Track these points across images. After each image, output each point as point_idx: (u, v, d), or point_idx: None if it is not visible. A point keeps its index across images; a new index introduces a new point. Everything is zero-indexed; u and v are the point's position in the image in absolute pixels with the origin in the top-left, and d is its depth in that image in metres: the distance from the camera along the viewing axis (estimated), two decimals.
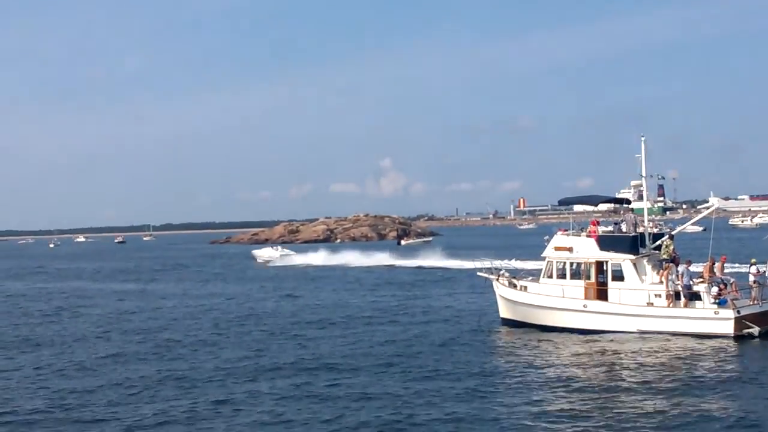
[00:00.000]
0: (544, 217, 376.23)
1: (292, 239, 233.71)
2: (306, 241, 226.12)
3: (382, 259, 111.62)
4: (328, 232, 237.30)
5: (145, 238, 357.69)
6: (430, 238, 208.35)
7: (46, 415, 26.53)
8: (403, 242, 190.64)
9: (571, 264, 41.62)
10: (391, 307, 54.80)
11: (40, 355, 38.96)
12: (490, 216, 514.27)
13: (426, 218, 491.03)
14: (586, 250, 41.20)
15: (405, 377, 30.68)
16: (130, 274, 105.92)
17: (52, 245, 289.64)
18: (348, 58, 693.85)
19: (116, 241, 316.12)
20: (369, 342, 39.55)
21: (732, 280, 40.14)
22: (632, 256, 39.86)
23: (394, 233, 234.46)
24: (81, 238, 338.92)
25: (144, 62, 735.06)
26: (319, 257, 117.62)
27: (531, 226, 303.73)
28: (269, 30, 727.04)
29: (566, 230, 43.46)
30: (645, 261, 40.07)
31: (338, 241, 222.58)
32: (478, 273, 48.45)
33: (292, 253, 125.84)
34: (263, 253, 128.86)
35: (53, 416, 26.43)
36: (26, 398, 29.12)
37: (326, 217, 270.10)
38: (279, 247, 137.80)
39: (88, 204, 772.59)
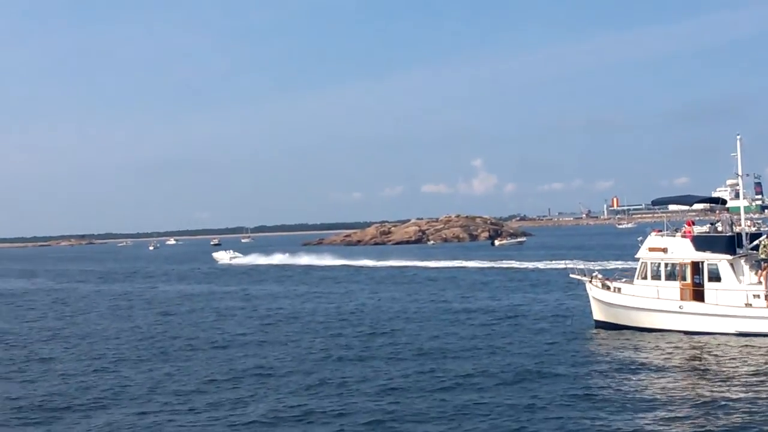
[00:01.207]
0: (639, 216, 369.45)
1: (384, 240, 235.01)
2: (398, 243, 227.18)
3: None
4: (420, 233, 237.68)
5: (243, 240, 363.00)
6: (524, 239, 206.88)
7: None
8: (496, 243, 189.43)
9: (666, 265, 41.12)
10: (482, 307, 54.89)
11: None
12: (583, 216, 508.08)
13: (518, 218, 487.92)
14: (682, 250, 40.68)
15: (500, 380, 30.72)
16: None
17: (151, 247, 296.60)
18: (439, 58, 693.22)
19: (212, 243, 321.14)
20: (460, 344, 39.72)
21: None
22: (729, 257, 39.21)
23: (486, 234, 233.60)
24: (172, 241, 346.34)
25: (235, 64, 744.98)
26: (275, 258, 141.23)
27: (629, 225, 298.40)
28: (359, 31, 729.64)
29: (660, 230, 43.00)
30: (742, 261, 39.37)
31: (430, 242, 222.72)
32: (571, 274, 48.18)
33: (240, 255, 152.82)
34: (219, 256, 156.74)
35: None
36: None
37: (418, 218, 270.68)
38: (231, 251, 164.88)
39: (182, 207, 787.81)
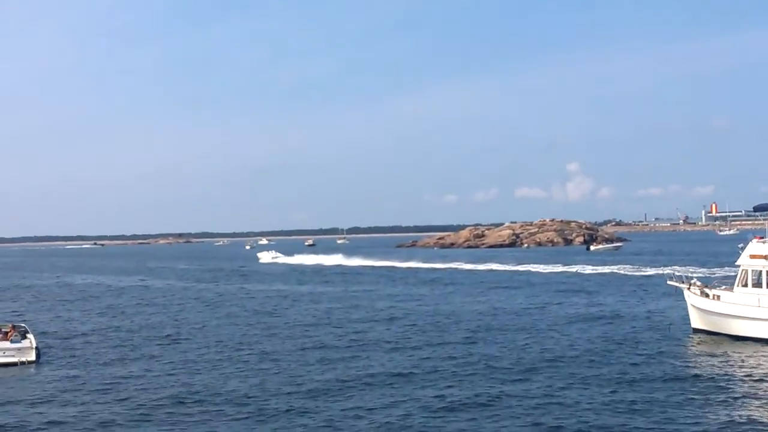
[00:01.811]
0: (738, 223, 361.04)
1: (477, 243, 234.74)
2: (491, 246, 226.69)
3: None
4: (514, 237, 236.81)
5: (338, 241, 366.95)
6: (621, 244, 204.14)
7: None
8: (592, 248, 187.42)
9: None
10: (581, 313, 54.89)
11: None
12: (681, 222, 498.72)
13: (613, 223, 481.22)
14: None
15: (599, 384, 30.93)
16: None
17: (248, 247, 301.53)
18: (535, 61, 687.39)
19: (306, 243, 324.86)
20: (560, 348, 39.94)
21: None
22: None
23: (580, 238, 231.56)
24: (264, 241, 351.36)
25: (333, 69, 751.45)
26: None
27: (731, 232, 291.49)
28: (453, 34, 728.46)
29: (762, 237, 42.44)
30: None
31: (525, 246, 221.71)
32: (669, 281, 47.88)
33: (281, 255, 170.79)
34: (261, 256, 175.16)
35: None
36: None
37: (512, 222, 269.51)
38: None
39: (279, 207, 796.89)
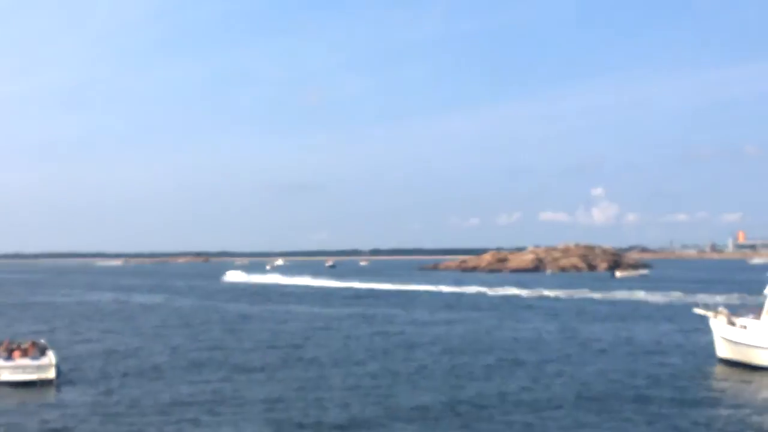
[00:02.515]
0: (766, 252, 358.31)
1: (500, 267, 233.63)
2: (514, 270, 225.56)
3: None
4: (537, 262, 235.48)
5: (361, 263, 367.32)
6: (647, 271, 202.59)
7: None
8: (618, 274, 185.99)
9: None
10: (604, 341, 54.31)
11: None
12: (707, 249, 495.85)
13: (638, 250, 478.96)
14: None
15: (624, 411, 30.59)
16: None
17: (269, 267, 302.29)
18: (561, 86, 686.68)
19: (327, 265, 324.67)
20: (581, 377, 39.49)
21: None
22: None
23: (605, 264, 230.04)
24: (279, 262, 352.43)
25: (360, 87, 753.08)
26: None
27: (762, 261, 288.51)
28: (479, 58, 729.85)
29: None
30: None
31: (548, 271, 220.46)
32: (695, 309, 47.31)
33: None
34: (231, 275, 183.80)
35: None
36: None
37: (535, 246, 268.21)
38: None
39: (299, 227, 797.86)
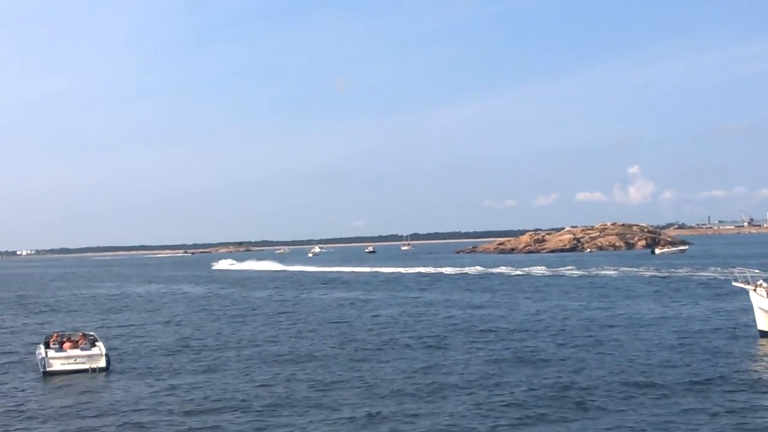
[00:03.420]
0: None
1: (538, 248, 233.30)
2: (552, 251, 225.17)
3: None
4: (575, 242, 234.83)
5: (403, 248, 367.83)
6: (686, 247, 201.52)
7: None
8: (657, 251, 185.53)
9: None
10: (648, 316, 54.52)
11: None
12: (745, 224, 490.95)
13: (675, 226, 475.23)
14: None
15: (669, 389, 30.66)
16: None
17: (310, 255, 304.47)
18: (595, 64, 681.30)
19: (366, 251, 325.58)
20: (626, 354, 39.70)
21: None
22: None
23: (642, 242, 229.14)
24: (316, 249, 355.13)
25: (395, 73, 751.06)
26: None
27: None
28: (513, 39, 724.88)
29: None
30: None
31: (587, 250, 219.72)
32: (734, 282, 47.32)
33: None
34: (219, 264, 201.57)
35: None
36: None
37: (572, 226, 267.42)
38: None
39: (338, 215, 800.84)
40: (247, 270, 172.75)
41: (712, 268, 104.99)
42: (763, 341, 41.66)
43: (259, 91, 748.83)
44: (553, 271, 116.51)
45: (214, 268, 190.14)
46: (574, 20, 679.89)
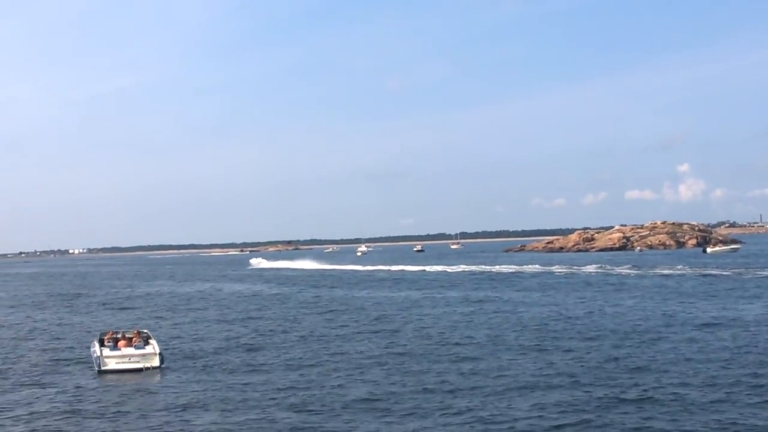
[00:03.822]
0: None
1: (587, 247, 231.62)
2: (602, 249, 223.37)
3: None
4: (624, 240, 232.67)
5: (452, 246, 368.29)
6: (738, 246, 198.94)
7: None
8: (709, 250, 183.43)
9: None
10: (701, 317, 53.92)
11: None
12: None
13: (726, 225, 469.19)
14: None
15: (722, 393, 30.19)
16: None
17: (359, 253, 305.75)
18: (644, 62, 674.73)
19: (415, 249, 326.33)
20: (677, 354, 39.28)
21: None
22: None
23: (693, 241, 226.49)
24: (363, 248, 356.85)
25: (444, 72, 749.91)
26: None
27: None
28: (561, 38, 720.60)
29: None
30: None
31: (638, 249, 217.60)
32: None
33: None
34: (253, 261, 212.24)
35: None
36: None
37: (622, 225, 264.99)
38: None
39: (387, 213, 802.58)
40: (281, 268, 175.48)
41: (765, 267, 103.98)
42: None
43: (311, 90, 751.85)
44: (606, 270, 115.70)
45: (249, 267, 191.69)
46: (629, 17, 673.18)
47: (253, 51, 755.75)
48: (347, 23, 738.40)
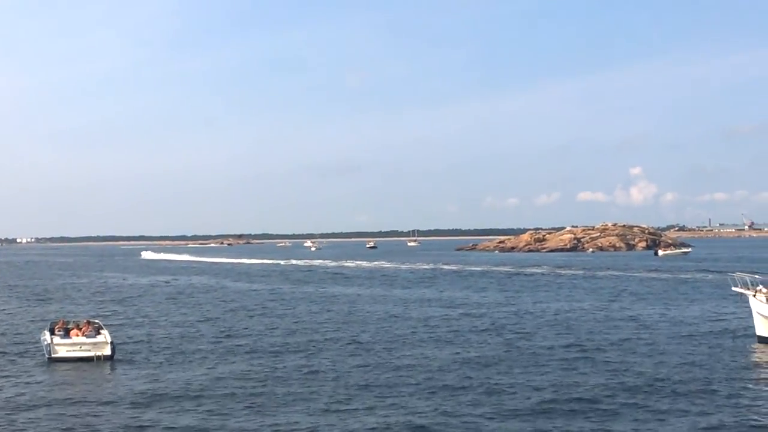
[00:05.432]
0: None
1: (538, 248, 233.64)
2: (552, 250, 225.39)
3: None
4: (575, 241, 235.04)
5: (409, 244, 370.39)
6: (689, 249, 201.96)
7: None
8: (660, 252, 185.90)
9: None
10: (642, 317, 54.87)
11: None
12: (746, 227, 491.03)
13: (676, 228, 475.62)
14: None
15: (662, 392, 30.68)
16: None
17: (313, 248, 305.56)
18: (597, 66, 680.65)
19: (368, 246, 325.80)
20: (621, 354, 40.10)
21: None
22: None
23: (643, 243, 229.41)
24: (308, 243, 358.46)
25: (400, 71, 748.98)
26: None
27: None
28: (522, 40, 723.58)
29: None
30: None
31: (590, 250, 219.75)
32: (734, 287, 47.36)
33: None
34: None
35: None
36: None
37: (573, 226, 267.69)
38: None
39: (341, 209, 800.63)
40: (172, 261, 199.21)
41: (712, 271, 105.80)
42: (761, 346, 41.67)
43: (269, 84, 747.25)
44: (555, 270, 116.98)
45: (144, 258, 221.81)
46: (584, 21, 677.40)
47: (209, 46, 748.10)
48: (301, 20, 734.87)
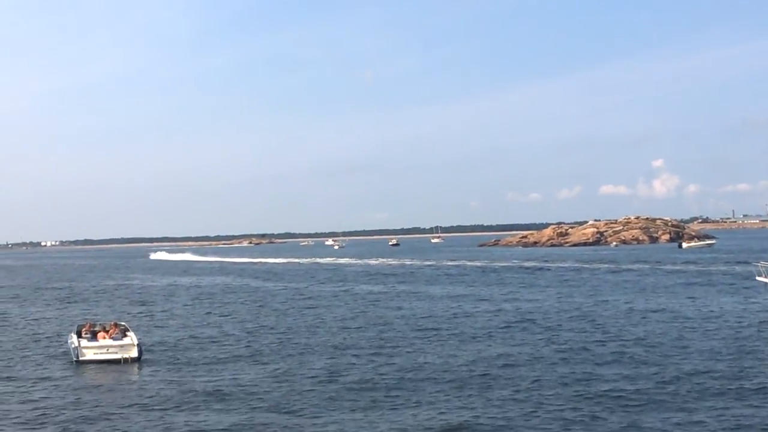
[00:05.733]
0: None
1: (561, 242, 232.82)
2: (575, 244, 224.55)
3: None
4: (598, 235, 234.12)
5: (433, 240, 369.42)
6: (714, 241, 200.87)
7: None
8: (684, 245, 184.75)
9: None
10: (669, 310, 54.63)
11: None
12: None
13: (699, 220, 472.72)
14: None
15: (690, 390, 30.34)
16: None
17: (336, 246, 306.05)
18: (619, 57, 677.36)
19: (390, 243, 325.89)
20: (654, 348, 39.87)
21: None
22: None
23: (666, 236, 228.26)
24: (329, 242, 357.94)
25: (419, 66, 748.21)
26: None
27: None
28: (539, 32, 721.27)
29: None
30: None
31: (613, 244, 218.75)
32: (758, 277, 47.08)
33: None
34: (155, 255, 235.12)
35: None
36: None
37: (595, 220, 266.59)
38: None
39: (362, 207, 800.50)
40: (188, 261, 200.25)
41: (738, 262, 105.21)
42: None
43: (281, 84, 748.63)
44: (580, 264, 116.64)
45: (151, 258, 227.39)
46: (605, 11, 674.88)
47: (217, 47, 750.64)
48: (314, 18, 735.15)
